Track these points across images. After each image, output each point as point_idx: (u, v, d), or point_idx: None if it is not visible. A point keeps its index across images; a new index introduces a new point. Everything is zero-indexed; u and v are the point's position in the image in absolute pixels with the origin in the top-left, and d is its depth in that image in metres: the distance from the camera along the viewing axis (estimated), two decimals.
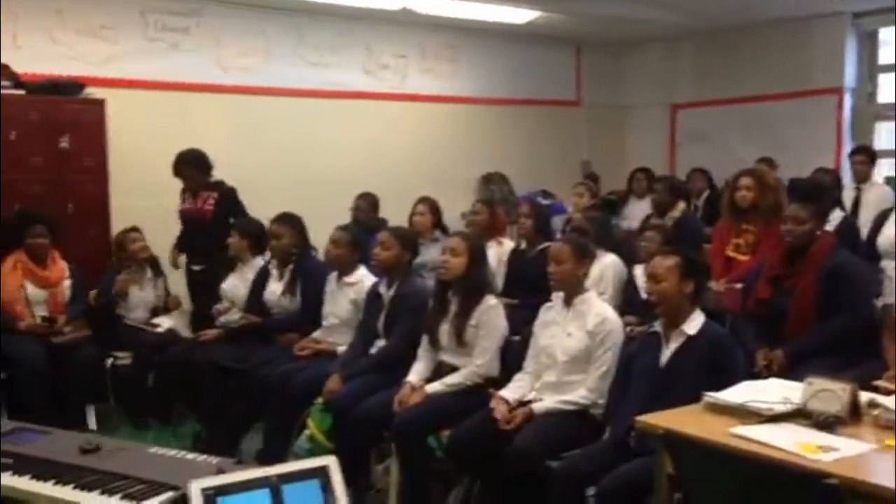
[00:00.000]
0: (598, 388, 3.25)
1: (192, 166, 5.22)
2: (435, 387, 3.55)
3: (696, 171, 7.76)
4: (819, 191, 5.87)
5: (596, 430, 3.14)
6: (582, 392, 3.26)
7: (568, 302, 3.42)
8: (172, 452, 2.51)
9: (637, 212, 6.96)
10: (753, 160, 6.96)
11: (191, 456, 2.47)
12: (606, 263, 4.51)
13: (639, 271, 4.40)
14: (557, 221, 6.10)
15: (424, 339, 3.71)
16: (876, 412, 2.46)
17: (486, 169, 7.10)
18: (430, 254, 4.73)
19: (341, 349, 4.11)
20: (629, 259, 4.64)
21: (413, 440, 3.40)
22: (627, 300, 4.44)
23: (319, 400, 3.79)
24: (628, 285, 4.56)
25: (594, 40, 8.73)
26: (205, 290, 5.10)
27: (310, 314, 4.36)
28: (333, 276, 4.33)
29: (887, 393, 2.57)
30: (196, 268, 5.41)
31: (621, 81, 9.09)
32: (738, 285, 4.24)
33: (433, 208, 5.36)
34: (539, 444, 3.04)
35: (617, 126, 9.14)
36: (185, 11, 6.52)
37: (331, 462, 2.13)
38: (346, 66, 7.38)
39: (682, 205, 6.67)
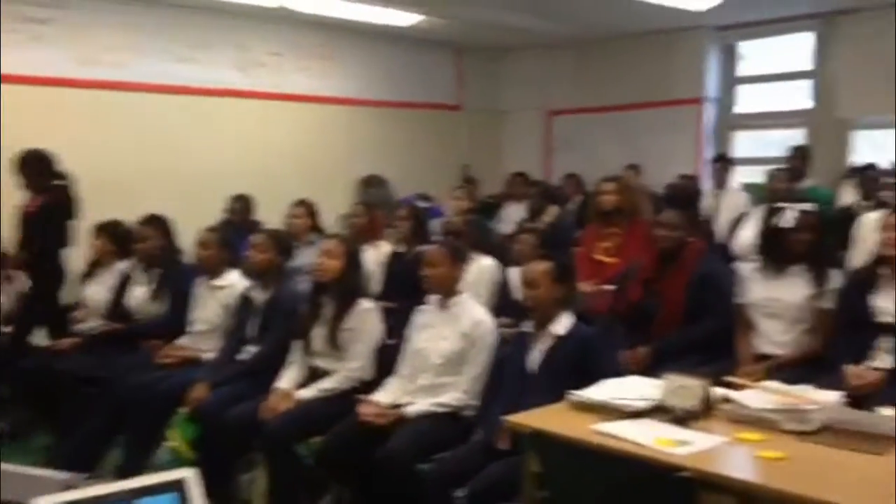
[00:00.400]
0: (471, 390, 3.28)
1: (29, 166, 4.87)
2: (306, 393, 3.48)
3: (569, 177, 7.99)
4: (692, 198, 6.18)
5: (468, 432, 3.16)
6: (455, 394, 3.27)
7: (443, 305, 3.43)
8: (18, 468, 2.35)
9: (513, 215, 7.08)
10: (622, 166, 7.24)
11: (38, 472, 2.31)
12: (482, 266, 4.55)
13: (514, 274, 4.47)
14: (437, 225, 6.12)
15: (296, 345, 3.64)
16: (728, 407, 2.59)
17: (366, 171, 7.05)
18: (306, 257, 4.65)
19: (209, 356, 3.98)
20: (505, 262, 4.71)
21: (281, 448, 3.31)
22: (502, 302, 4.50)
23: (184, 409, 3.64)
24: (504, 288, 4.62)
25: (475, 45, 8.84)
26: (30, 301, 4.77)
27: (176, 320, 4.20)
28: (202, 279, 4.19)
29: (739, 388, 2.69)
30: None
31: (500, 86, 9.25)
32: (607, 287, 4.38)
33: (310, 211, 5.27)
34: (410, 448, 3.03)
35: (495, 130, 9.29)
36: (46, 2, 6.17)
37: (189, 474, 2.04)
38: (218, 62, 7.18)
39: (554, 209, 6.85)
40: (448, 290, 3.42)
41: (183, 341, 4.15)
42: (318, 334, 3.58)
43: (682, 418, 2.51)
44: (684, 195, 6.15)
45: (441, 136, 8.74)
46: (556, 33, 8.11)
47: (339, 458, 3.23)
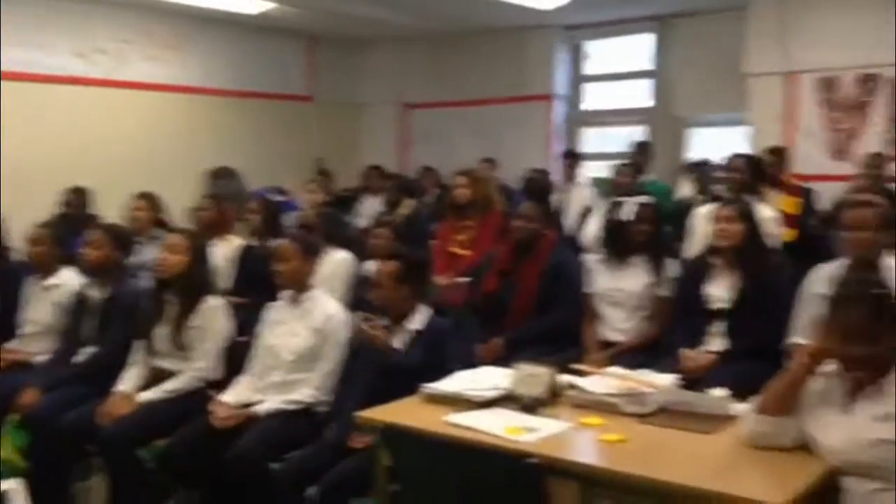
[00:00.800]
0: (323, 386, 3.22)
1: None
2: (148, 395, 3.32)
3: (426, 170, 8.04)
4: (544, 191, 6.34)
5: (321, 429, 3.11)
6: (307, 391, 3.21)
7: (294, 300, 3.36)
8: None
9: (369, 209, 7.05)
10: (478, 160, 7.36)
11: None
12: (337, 260, 4.49)
13: (371, 267, 4.44)
14: (291, 218, 5.99)
15: (138, 345, 3.46)
16: (573, 392, 2.67)
17: (215, 163, 6.80)
18: (149, 253, 4.42)
19: (41, 359, 3.71)
20: (362, 255, 4.67)
21: (121, 453, 3.14)
22: (358, 297, 4.46)
23: (14, 415, 3.38)
24: (360, 282, 4.58)
25: (329, 36, 8.72)
26: None
27: (5, 321, 3.89)
28: (33, 278, 3.91)
29: (584, 374, 2.78)
30: None
31: (356, 79, 9.17)
32: (461, 279, 4.43)
33: (153, 204, 5.02)
34: (259, 447, 2.95)
35: (350, 123, 9.20)
36: None
37: (15, 485, 1.90)
38: (54, 47, 6.72)
39: (411, 202, 6.87)
40: (300, 285, 3.35)
41: (12, 344, 3.86)
42: (162, 334, 3.42)
43: (531, 406, 2.57)
44: (538, 188, 6.32)
45: (292, 128, 8.56)
46: (411, 26, 8.12)
47: (185, 461, 3.09)
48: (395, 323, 3.11)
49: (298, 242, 3.43)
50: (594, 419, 2.47)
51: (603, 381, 2.67)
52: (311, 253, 3.43)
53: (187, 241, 3.50)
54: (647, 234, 3.76)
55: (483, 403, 2.61)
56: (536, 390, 2.62)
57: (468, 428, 2.39)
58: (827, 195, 5.78)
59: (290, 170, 7.98)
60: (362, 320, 3.12)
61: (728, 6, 6.88)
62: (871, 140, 6.15)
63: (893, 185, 5.39)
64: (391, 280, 3.10)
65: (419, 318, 3.11)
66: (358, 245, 4.82)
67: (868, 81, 6.19)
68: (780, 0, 6.39)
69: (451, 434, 2.38)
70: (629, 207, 3.79)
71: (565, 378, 2.74)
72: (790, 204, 5.37)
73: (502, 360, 3.46)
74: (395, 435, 2.46)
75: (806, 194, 5.58)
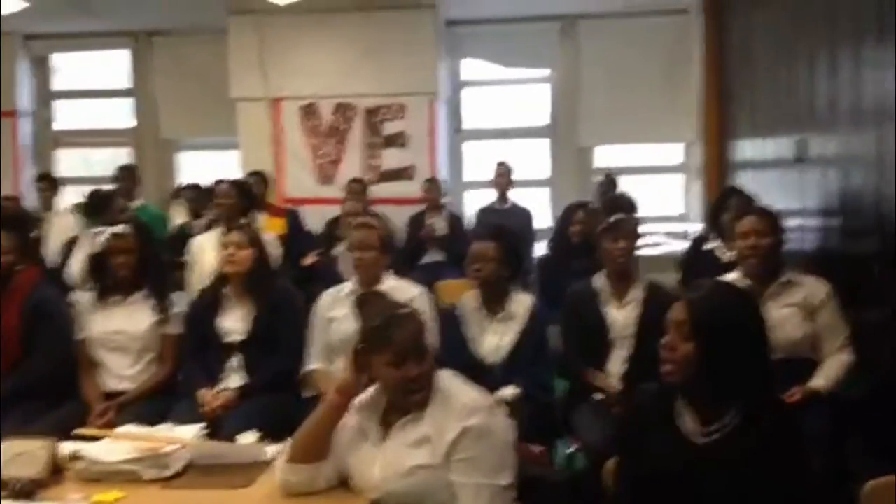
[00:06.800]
0: None
1: None
2: None
3: None
4: (21, 220, 5.39)
5: None
6: None
7: None
8: None
9: None
10: None
11: None
12: None
13: None
14: None
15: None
16: (81, 465, 2.23)
17: None
18: None
19: None
20: None
21: None
22: None
23: None
24: None
25: None
26: None
27: None
28: None
29: (93, 438, 2.36)
30: None
31: None
32: None
33: None
34: None
35: None
36: None
37: None
38: None
39: None
40: None
41: None
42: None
43: (26, 491, 2.07)
44: (13, 217, 5.38)
45: None
46: None
47: None
48: None
49: None
50: (110, 494, 2.08)
51: (115, 446, 2.28)
52: None
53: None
54: (129, 266, 3.34)
55: None
56: (32, 470, 2.13)
57: None
58: (316, 217, 6.07)
59: None
60: None
61: (208, 29, 6.80)
62: (351, 165, 6.60)
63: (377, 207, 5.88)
64: None
65: None
66: None
67: (345, 110, 6.65)
68: (258, 28, 6.49)
69: None
70: (101, 238, 3.37)
71: (68, 447, 2.28)
72: (276, 225, 5.48)
73: None
74: None
75: (291, 216, 5.76)
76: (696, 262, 4.65)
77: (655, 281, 3.39)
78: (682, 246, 5.54)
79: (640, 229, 3.61)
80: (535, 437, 2.72)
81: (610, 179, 6.41)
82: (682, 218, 7.01)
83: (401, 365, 2.01)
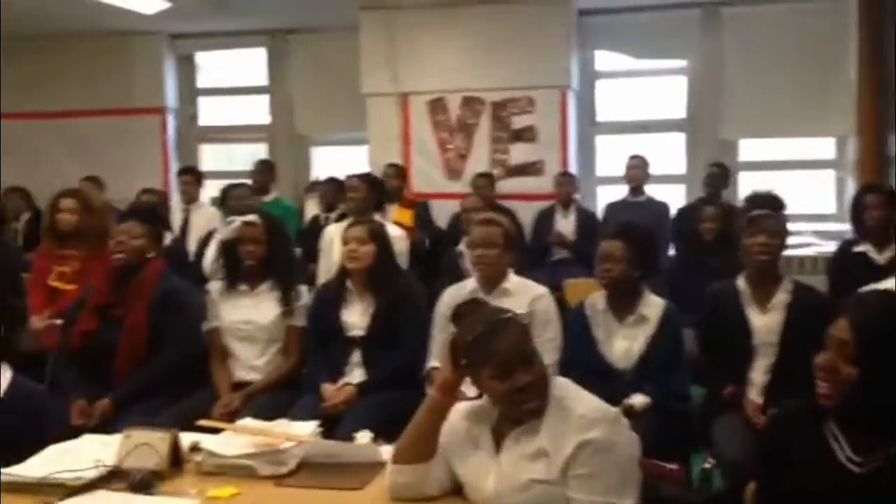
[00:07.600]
0: None
1: None
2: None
3: (13, 191, 6.85)
4: (155, 212, 5.64)
5: None
6: None
7: None
8: None
9: None
10: (79, 179, 6.45)
11: None
12: None
13: None
14: None
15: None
16: (199, 458, 2.24)
17: None
18: None
19: None
20: None
21: None
22: None
23: None
24: None
25: None
26: None
27: None
28: None
29: (214, 430, 2.36)
30: None
31: None
32: (58, 320, 3.70)
33: None
34: None
35: None
36: None
37: None
38: None
39: None
40: None
41: None
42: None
43: (144, 483, 2.08)
44: (146, 209, 5.64)
45: None
46: None
47: None
48: None
49: None
50: (225, 490, 2.06)
51: (234, 440, 2.27)
52: None
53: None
54: (258, 255, 3.38)
55: (81, 487, 2.06)
56: (150, 462, 2.14)
57: None
58: (443, 212, 6.02)
59: None
60: None
61: (341, 26, 6.87)
62: (479, 160, 6.52)
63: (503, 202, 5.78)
64: None
65: None
66: None
67: (473, 104, 6.56)
68: (388, 25, 6.50)
69: None
70: (233, 227, 3.42)
71: (189, 438, 2.30)
72: (405, 216, 5.48)
73: (113, 422, 2.88)
74: None
75: (420, 207, 5.75)
76: (845, 265, 4.30)
77: (803, 283, 3.10)
78: (832, 247, 5.13)
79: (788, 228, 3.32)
80: (669, 451, 2.50)
81: (723, 170, 6.03)
82: (833, 217, 6.50)
83: (507, 377, 1.85)
